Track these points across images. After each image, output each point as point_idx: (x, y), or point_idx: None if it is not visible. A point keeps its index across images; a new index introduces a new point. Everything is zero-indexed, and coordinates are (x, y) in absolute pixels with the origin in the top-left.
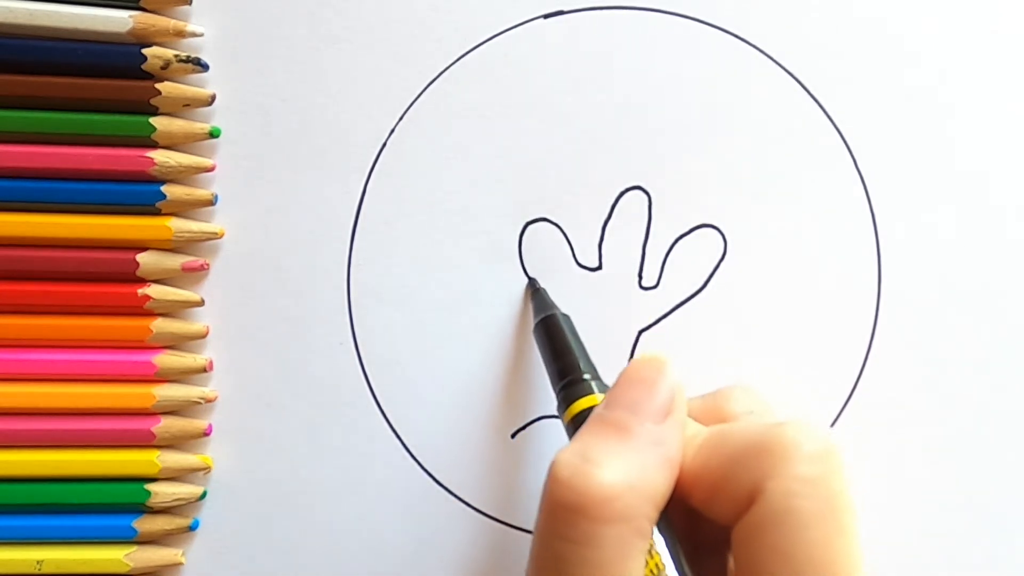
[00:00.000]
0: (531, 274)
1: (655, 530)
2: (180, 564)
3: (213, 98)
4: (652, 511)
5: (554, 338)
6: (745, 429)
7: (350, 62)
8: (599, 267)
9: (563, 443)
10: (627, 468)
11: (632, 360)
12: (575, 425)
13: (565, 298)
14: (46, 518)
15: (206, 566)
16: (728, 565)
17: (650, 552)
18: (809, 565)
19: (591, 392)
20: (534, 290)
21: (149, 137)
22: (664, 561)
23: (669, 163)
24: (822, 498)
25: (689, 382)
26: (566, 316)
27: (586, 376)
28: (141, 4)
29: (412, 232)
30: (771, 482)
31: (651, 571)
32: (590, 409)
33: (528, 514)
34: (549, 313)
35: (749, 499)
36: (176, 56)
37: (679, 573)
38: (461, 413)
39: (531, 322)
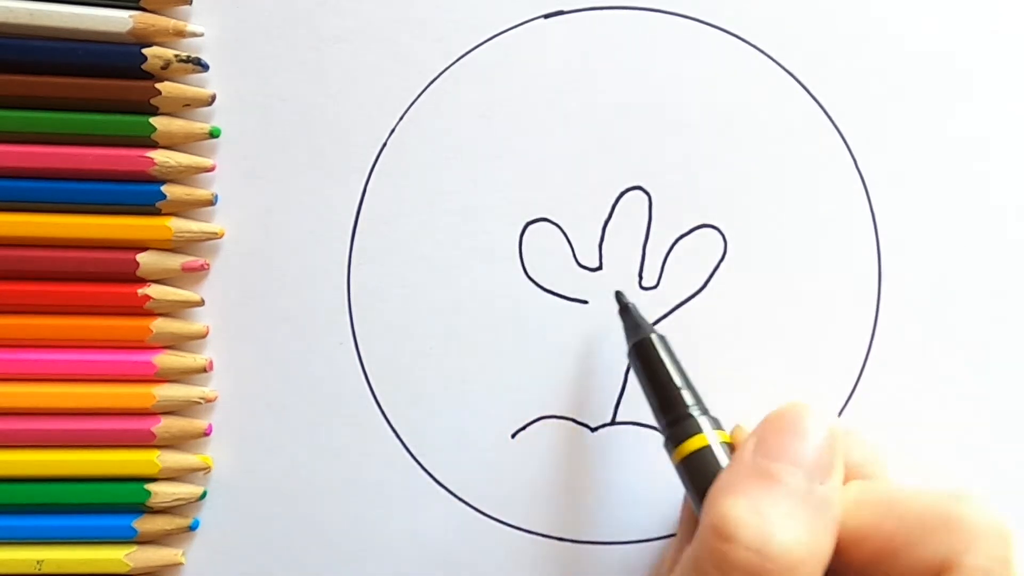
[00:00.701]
0: (531, 274)
1: None
2: (180, 564)
3: (213, 98)
4: None
5: (652, 366)
6: (921, 496)
7: (350, 62)
8: (599, 267)
9: (564, 445)
10: (804, 531)
11: (784, 406)
12: (687, 467)
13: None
14: (46, 518)
15: (206, 566)
16: None
17: None
18: None
19: (699, 430)
20: (623, 306)
21: (149, 137)
22: None
23: (669, 163)
24: None
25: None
26: (662, 337)
27: (692, 412)
28: (141, 4)
29: (412, 232)
30: (967, 558)
31: None
32: (702, 450)
33: (528, 514)
34: (644, 336)
35: (937, 571)
36: (176, 56)
37: None
38: (461, 413)
39: (545, 328)
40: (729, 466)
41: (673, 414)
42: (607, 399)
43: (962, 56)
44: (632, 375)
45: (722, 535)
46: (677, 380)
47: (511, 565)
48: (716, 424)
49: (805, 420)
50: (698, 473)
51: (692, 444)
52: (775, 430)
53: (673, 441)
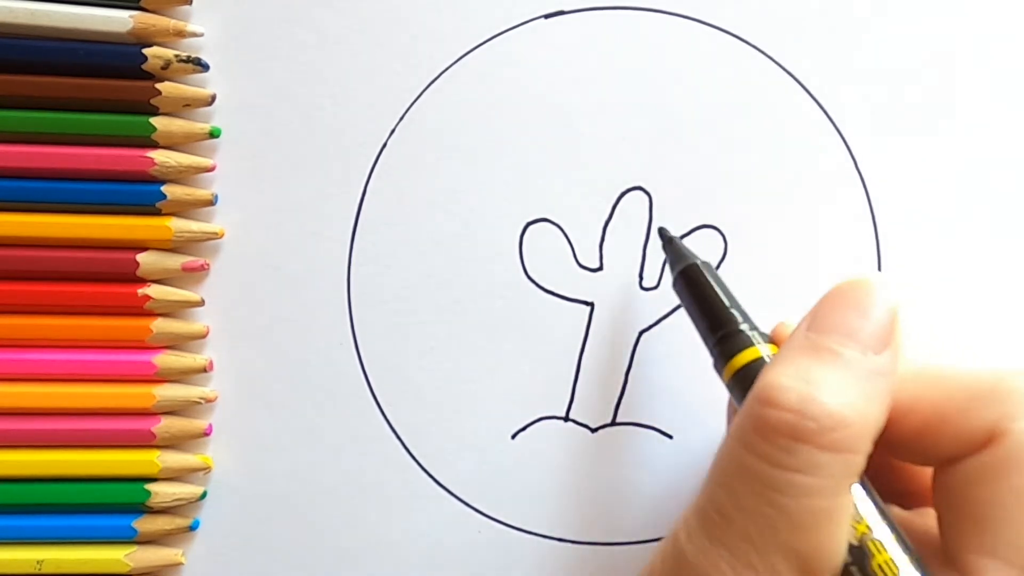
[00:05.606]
0: (531, 274)
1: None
2: (180, 564)
3: (213, 98)
4: (870, 446)
5: (699, 289)
6: (974, 369)
7: (350, 62)
8: (600, 267)
9: (564, 445)
10: (853, 396)
11: (840, 284)
12: (738, 381)
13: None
14: (46, 518)
15: (206, 566)
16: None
17: (856, 517)
18: None
19: (751, 344)
20: (666, 240)
21: (149, 137)
22: (870, 522)
23: (669, 163)
24: None
25: (689, 382)
26: (707, 263)
27: (743, 327)
28: (141, 4)
29: (412, 232)
30: (1018, 423)
31: (860, 535)
32: (755, 362)
33: (528, 514)
34: (688, 263)
35: (986, 438)
36: (176, 56)
37: (890, 528)
38: (461, 413)
39: (536, 321)
40: (781, 347)
41: (723, 331)
42: (607, 399)
43: (963, 56)
44: (633, 374)
45: (765, 400)
46: (726, 300)
47: (511, 565)
48: (767, 339)
49: (862, 295)
50: (750, 385)
51: (743, 358)
52: (830, 306)
53: (724, 357)
